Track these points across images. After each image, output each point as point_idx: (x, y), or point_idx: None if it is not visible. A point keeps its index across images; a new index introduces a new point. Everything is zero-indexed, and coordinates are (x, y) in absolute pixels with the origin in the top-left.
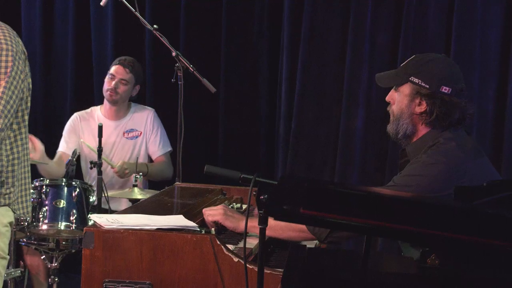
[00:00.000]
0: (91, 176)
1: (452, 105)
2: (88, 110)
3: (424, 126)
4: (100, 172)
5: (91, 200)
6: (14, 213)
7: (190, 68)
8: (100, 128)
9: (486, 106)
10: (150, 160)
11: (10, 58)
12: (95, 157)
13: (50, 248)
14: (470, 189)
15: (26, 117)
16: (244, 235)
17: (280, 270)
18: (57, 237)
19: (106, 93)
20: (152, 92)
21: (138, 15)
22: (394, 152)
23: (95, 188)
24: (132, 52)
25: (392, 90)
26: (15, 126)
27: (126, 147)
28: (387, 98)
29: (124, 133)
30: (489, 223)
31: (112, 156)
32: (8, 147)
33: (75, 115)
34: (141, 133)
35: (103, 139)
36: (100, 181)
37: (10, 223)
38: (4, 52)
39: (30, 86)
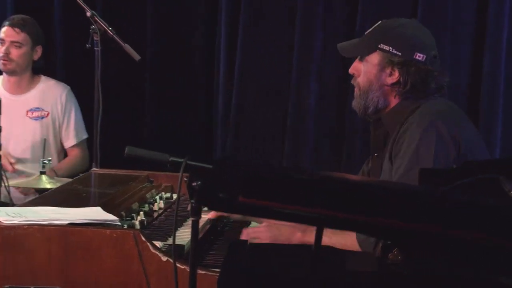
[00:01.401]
0: None
1: (427, 74)
2: None
3: (398, 98)
4: None
5: None
6: None
7: (109, 31)
8: None
9: (459, 77)
10: (61, 147)
11: None
12: None
13: None
14: (438, 172)
15: None
16: (173, 230)
17: (218, 270)
18: None
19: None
20: (63, 62)
21: None
22: (353, 131)
23: None
24: (37, 12)
25: (356, 61)
26: None
27: (28, 128)
28: (351, 70)
29: (27, 112)
30: (460, 212)
31: (9, 138)
32: None
33: None
34: (48, 114)
35: (2, 116)
36: None
37: None
38: None
39: None
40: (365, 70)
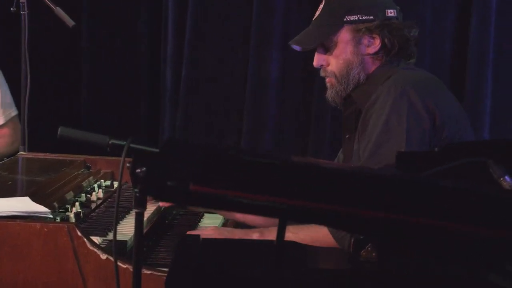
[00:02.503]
0: None
1: (404, 29)
2: None
3: (380, 67)
4: None
5: None
6: None
7: None
8: None
9: (443, 43)
10: None
11: None
12: None
13: None
14: (417, 155)
15: None
16: (114, 223)
17: (166, 269)
18: None
19: None
20: None
21: None
22: (321, 107)
23: None
24: None
25: (319, 51)
26: None
27: None
28: (316, 63)
29: None
30: (444, 200)
31: None
32: None
33: None
34: None
35: None
36: None
37: None
38: None
39: None
40: (336, 53)
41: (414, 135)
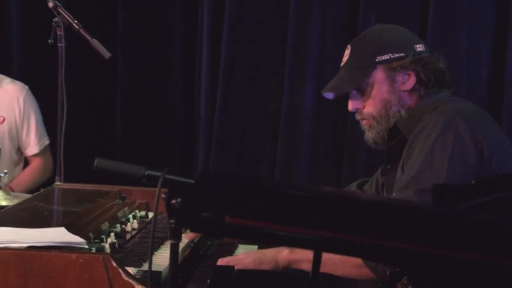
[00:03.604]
0: None
1: (436, 61)
2: None
3: (416, 100)
4: None
5: None
6: None
7: (74, 24)
8: None
9: (479, 73)
10: (19, 157)
11: None
12: None
13: None
14: (453, 188)
15: None
16: (149, 254)
17: None
18: None
19: None
20: (21, 59)
21: None
22: (355, 139)
23: None
24: None
25: (353, 95)
26: None
27: None
28: (352, 107)
29: None
30: (480, 234)
31: None
32: None
33: None
34: (4, 120)
35: None
36: None
37: None
38: None
39: None
40: (373, 94)
41: (457, 166)
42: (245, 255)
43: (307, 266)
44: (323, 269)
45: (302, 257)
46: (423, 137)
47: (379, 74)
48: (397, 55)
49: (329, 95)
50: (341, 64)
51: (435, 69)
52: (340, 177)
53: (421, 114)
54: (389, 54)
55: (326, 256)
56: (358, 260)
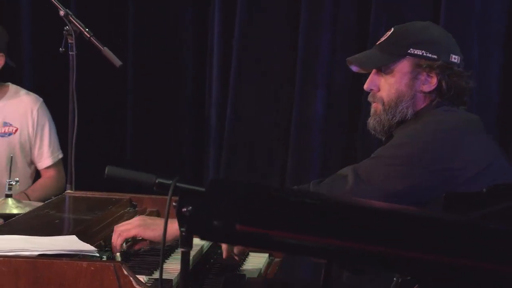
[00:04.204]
0: None
1: (463, 78)
2: None
3: (428, 107)
4: None
5: None
6: None
7: (85, 32)
8: None
9: (489, 80)
10: (31, 168)
11: None
12: None
13: None
14: (465, 196)
15: None
16: (160, 262)
17: None
18: None
19: None
20: (32, 69)
21: None
22: (365, 146)
23: None
24: (2, 11)
25: (373, 74)
26: None
27: None
28: (368, 86)
29: None
30: (495, 243)
31: None
32: None
33: None
34: (16, 130)
35: None
36: None
37: None
38: None
39: None
40: (391, 81)
41: (415, 169)
42: (135, 220)
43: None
44: None
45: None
46: (398, 137)
47: (405, 65)
48: (429, 55)
49: (353, 67)
50: (377, 42)
51: (458, 84)
52: None
53: (417, 122)
54: (422, 51)
55: None
56: None
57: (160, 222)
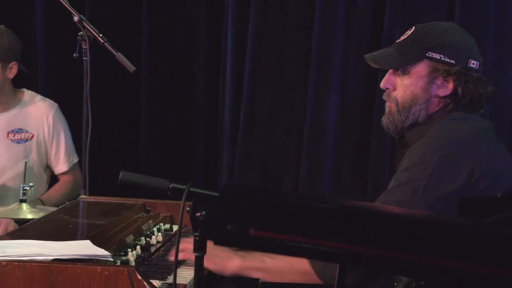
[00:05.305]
0: None
1: (482, 84)
2: None
3: (441, 112)
4: None
5: None
6: None
7: (99, 38)
8: None
9: (504, 85)
10: (47, 173)
11: None
12: None
13: None
14: (480, 201)
15: None
16: (174, 266)
17: None
18: None
19: None
20: (46, 74)
21: None
22: (380, 151)
23: None
24: (16, 17)
25: (390, 73)
26: None
27: (10, 153)
28: (384, 85)
29: (8, 133)
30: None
31: None
32: None
33: None
34: (32, 136)
35: None
36: None
37: None
38: None
39: None
40: (407, 83)
41: (431, 191)
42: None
43: (257, 274)
44: (268, 276)
45: (254, 265)
46: (411, 154)
47: (422, 68)
48: (447, 60)
49: (371, 64)
50: (397, 40)
51: (475, 91)
52: (365, 191)
53: (430, 126)
54: (441, 55)
55: (271, 264)
56: (305, 267)
57: (224, 255)
